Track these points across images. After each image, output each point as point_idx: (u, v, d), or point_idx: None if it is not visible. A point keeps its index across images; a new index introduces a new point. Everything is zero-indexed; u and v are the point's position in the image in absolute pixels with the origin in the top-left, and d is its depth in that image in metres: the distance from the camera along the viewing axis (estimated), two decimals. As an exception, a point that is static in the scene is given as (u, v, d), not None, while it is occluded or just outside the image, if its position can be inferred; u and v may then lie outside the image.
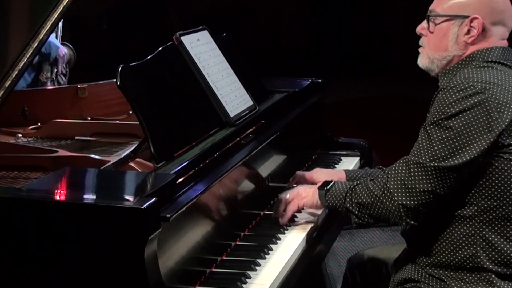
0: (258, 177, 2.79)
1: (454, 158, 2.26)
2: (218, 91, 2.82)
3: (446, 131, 2.27)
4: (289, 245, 2.52)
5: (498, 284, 2.32)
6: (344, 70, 9.63)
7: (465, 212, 2.34)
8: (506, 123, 2.25)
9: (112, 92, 3.25)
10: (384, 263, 2.81)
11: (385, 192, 2.35)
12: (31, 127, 3.24)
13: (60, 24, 4.31)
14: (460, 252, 2.35)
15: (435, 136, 2.29)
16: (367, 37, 10.35)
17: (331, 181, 2.56)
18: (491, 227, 2.33)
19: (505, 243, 2.32)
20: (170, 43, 2.79)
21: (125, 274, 1.99)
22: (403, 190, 2.31)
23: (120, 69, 2.42)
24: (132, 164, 2.46)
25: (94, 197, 2.13)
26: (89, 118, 3.34)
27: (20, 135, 3.14)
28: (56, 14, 2.68)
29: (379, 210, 2.37)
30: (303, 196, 2.61)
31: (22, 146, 2.93)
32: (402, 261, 2.55)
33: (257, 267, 2.35)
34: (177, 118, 2.58)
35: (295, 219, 2.68)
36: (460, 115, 2.25)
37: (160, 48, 2.70)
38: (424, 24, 2.47)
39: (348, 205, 2.45)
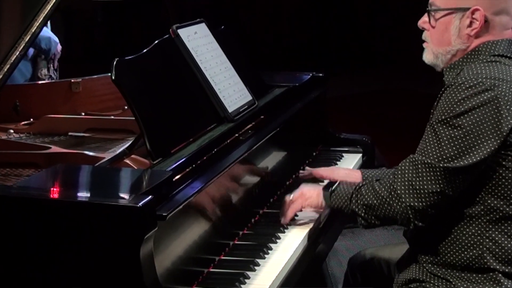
0: (257, 174, 2.79)
1: (463, 158, 2.25)
2: (216, 85, 2.82)
3: (455, 130, 2.26)
4: (289, 245, 2.52)
5: (505, 283, 2.33)
6: (346, 64, 9.62)
7: (471, 212, 2.33)
8: None
9: (106, 87, 3.25)
10: (387, 263, 2.80)
11: (392, 193, 2.34)
12: (23, 122, 3.24)
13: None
14: (466, 252, 2.35)
15: (443, 135, 2.27)
16: (369, 29, 10.34)
17: (336, 182, 2.56)
18: (497, 226, 2.33)
19: (512, 242, 2.33)
20: (167, 36, 2.79)
21: (121, 274, 1.99)
22: (411, 192, 2.31)
23: (115, 63, 2.42)
24: (128, 161, 2.46)
25: (88, 195, 2.13)
26: (83, 114, 3.34)
27: (11, 131, 3.14)
28: (49, 7, 2.68)
29: (386, 212, 2.37)
30: (307, 196, 2.61)
31: (13, 142, 2.93)
32: (405, 261, 2.55)
33: (256, 267, 2.35)
34: (174, 113, 2.58)
35: (296, 217, 2.68)
36: (469, 113, 2.24)
37: (156, 41, 2.70)
38: (425, 18, 2.46)
39: (354, 207, 2.44)
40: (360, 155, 3.43)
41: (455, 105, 2.26)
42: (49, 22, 4.40)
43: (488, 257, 2.33)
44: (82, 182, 2.31)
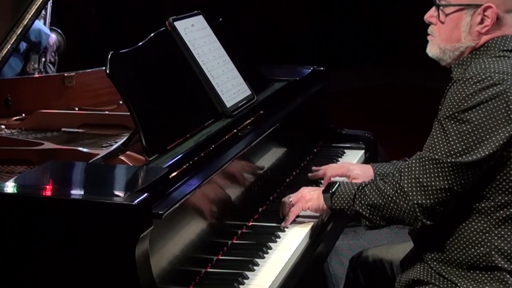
0: (256, 171, 2.79)
1: (472, 153, 2.26)
2: (213, 79, 2.82)
3: (463, 125, 2.27)
4: (289, 244, 2.52)
5: (512, 284, 2.34)
6: (347, 57, 9.61)
7: (480, 208, 2.34)
8: None
9: (101, 81, 3.25)
10: (390, 263, 2.81)
11: (399, 191, 2.34)
12: (14, 118, 3.24)
13: (49, 8, 4.31)
14: (473, 250, 2.36)
15: (451, 130, 2.28)
16: (372, 21, 10.33)
17: (335, 183, 2.56)
18: (507, 223, 2.33)
19: (521, 241, 2.33)
20: (163, 28, 2.79)
21: (115, 274, 1.99)
22: (418, 189, 2.31)
23: (109, 56, 2.41)
24: (122, 158, 2.46)
25: (82, 192, 2.13)
26: (76, 109, 3.34)
27: (3, 126, 3.14)
28: (41, -1, 2.68)
29: (392, 211, 2.37)
30: (307, 199, 2.61)
31: (5, 138, 2.92)
32: (409, 260, 2.55)
33: (255, 267, 2.35)
34: (170, 108, 2.58)
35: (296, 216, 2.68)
36: (478, 108, 2.25)
37: (152, 34, 2.70)
38: (432, 12, 2.45)
39: (357, 207, 2.44)
40: (363, 151, 3.44)
41: (463, 100, 2.27)
42: (49, 17, 4.39)
43: (496, 255, 2.34)
44: (76, 180, 2.31)
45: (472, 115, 2.25)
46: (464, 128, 2.26)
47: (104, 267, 1.99)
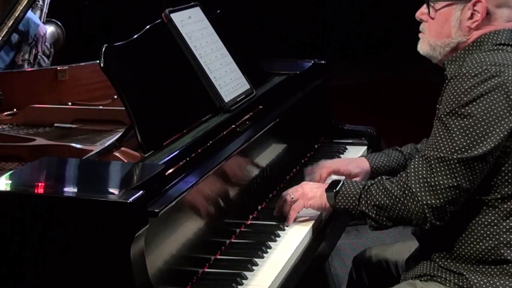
0: (256, 168, 2.79)
1: (477, 147, 2.27)
2: (211, 73, 2.82)
3: (465, 119, 2.28)
4: (289, 243, 2.52)
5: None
6: (349, 51, 9.61)
7: (486, 201, 2.36)
8: None
9: (94, 75, 3.25)
10: (394, 262, 2.81)
11: (406, 192, 2.34)
12: (6, 113, 3.24)
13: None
14: (481, 244, 2.37)
15: (453, 126, 2.29)
16: (372, 14, 10.33)
17: (339, 181, 2.55)
18: None
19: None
20: (159, 20, 2.78)
21: (110, 274, 1.99)
22: (427, 189, 2.31)
23: (103, 49, 2.41)
24: (117, 154, 2.46)
25: (75, 190, 2.13)
26: (69, 103, 3.34)
27: (-7, 121, 3.14)
28: (33, -11, 2.68)
29: (400, 212, 2.37)
30: (309, 196, 2.60)
31: (-4, 134, 2.93)
32: (415, 258, 2.56)
33: (254, 267, 2.35)
34: (167, 103, 2.58)
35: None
36: (478, 101, 2.27)
37: (147, 26, 2.69)
38: (423, 9, 2.49)
39: (363, 208, 2.44)
40: (365, 147, 3.44)
41: (462, 95, 2.29)
42: (46, 7, 4.38)
43: (504, 248, 2.35)
44: (69, 176, 2.31)
45: (473, 109, 2.27)
46: (467, 122, 2.28)
47: (98, 267, 1.99)
